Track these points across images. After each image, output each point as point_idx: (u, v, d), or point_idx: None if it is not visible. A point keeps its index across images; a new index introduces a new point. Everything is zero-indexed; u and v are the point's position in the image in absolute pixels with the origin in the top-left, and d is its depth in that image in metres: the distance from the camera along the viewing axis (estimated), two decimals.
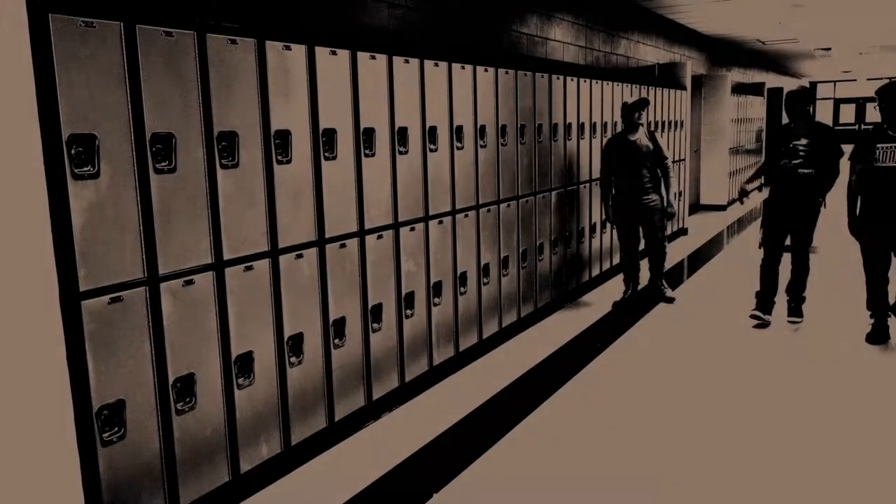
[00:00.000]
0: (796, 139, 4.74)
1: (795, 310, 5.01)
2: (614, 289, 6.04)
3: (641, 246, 5.74)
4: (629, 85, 6.69)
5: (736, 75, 13.48)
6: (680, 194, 8.69)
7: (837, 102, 26.96)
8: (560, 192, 5.41)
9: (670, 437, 3.35)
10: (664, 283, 5.73)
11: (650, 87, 7.28)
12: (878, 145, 4.29)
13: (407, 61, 3.63)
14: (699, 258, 7.54)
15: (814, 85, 26.26)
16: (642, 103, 5.32)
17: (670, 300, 5.64)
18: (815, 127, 4.78)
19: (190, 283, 2.57)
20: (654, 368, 4.30)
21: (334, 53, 3.16)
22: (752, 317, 4.97)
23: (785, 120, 4.78)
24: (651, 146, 5.37)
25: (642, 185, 5.37)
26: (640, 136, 5.38)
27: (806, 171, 4.66)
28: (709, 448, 3.23)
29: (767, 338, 4.79)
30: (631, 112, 5.33)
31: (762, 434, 3.34)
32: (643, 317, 5.33)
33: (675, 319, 5.29)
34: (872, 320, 4.59)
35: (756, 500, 2.79)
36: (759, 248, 5.01)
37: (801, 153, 4.69)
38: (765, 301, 5.01)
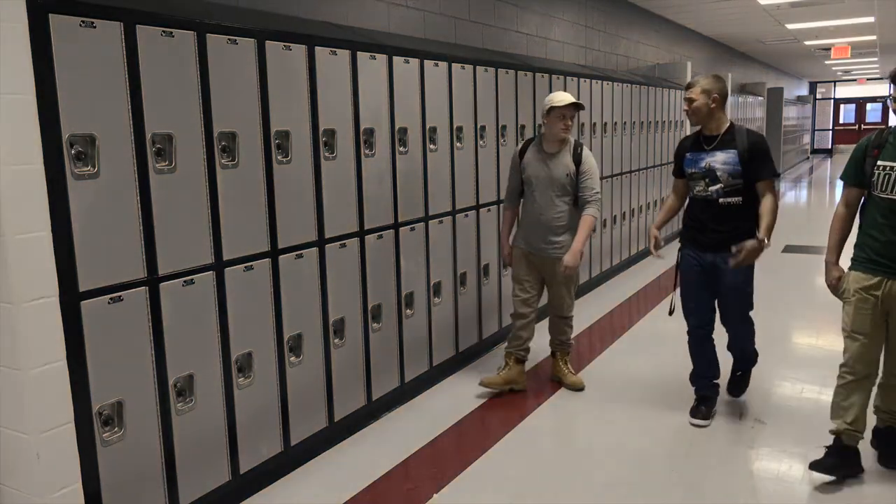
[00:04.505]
0: (711, 154, 3.28)
1: (739, 381, 3.60)
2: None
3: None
4: (629, 85, 6.70)
5: (736, 75, 13.48)
6: None
7: (837, 102, 26.96)
8: None
9: None
10: (567, 363, 4.03)
11: (650, 87, 7.28)
12: (879, 163, 2.73)
13: (407, 61, 3.63)
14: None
15: (814, 85, 26.26)
16: (574, 108, 3.65)
17: (577, 388, 3.92)
18: (739, 135, 3.25)
19: (190, 283, 2.57)
20: None
21: (334, 53, 3.16)
22: (693, 424, 3.43)
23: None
24: (573, 169, 3.70)
25: (551, 221, 3.72)
26: (563, 153, 3.71)
27: (731, 199, 3.24)
28: None
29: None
30: (556, 117, 3.64)
31: None
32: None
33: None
34: (832, 441, 2.91)
35: None
36: (670, 314, 3.50)
37: (722, 174, 3.23)
38: (701, 395, 3.51)
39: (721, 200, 3.25)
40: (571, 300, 3.92)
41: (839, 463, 2.86)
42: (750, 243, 3.12)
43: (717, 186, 3.25)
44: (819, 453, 2.88)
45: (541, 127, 3.83)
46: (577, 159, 3.71)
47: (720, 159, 3.24)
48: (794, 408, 3.67)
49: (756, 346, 3.62)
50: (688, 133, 9.03)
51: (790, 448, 3.18)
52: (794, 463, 3.05)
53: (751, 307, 3.45)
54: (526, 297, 3.86)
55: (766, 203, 3.20)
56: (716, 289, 3.36)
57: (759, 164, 3.21)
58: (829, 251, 2.95)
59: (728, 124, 3.31)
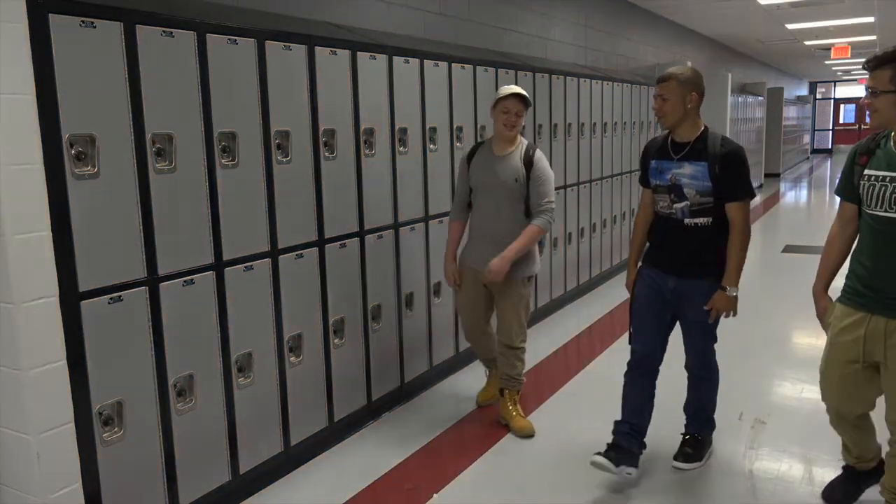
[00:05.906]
0: (678, 165, 2.73)
1: (691, 447, 3.02)
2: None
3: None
4: (629, 85, 6.70)
5: (736, 75, 13.48)
6: None
7: (837, 102, 26.95)
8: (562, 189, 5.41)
9: None
10: (517, 403, 3.44)
11: (650, 87, 7.28)
12: (866, 173, 2.30)
13: (407, 61, 3.63)
14: None
15: (814, 85, 26.25)
16: (520, 100, 3.19)
17: (525, 434, 3.34)
18: (712, 144, 2.70)
19: (190, 283, 2.57)
20: None
21: (334, 53, 3.16)
22: (594, 464, 2.79)
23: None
24: (524, 174, 3.22)
25: (498, 233, 3.24)
26: (513, 155, 3.25)
27: (698, 220, 2.73)
28: None
29: None
30: (499, 111, 3.23)
31: None
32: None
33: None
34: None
35: None
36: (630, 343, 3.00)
37: (689, 190, 2.71)
38: (623, 437, 2.87)
39: (686, 221, 2.74)
40: (522, 328, 3.35)
41: (855, 488, 2.67)
42: (716, 298, 2.74)
43: (683, 204, 2.72)
44: (822, 458, 2.82)
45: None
46: (528, 163, 3.22)
47: (687, 172, 2.70)
48: (794, 408, 3.67)
49: (717, 406, 3.08)
50: None
51: (790, 448, 3.18)
52: (794, 463, 3.05)
53: (712, 344, 2.92)
54: (475, 323, 3.47)
55: (732, 237, 2.70)
56: (672, 321, 2.90)
57: (731, 182, 2.67)
58: (817, 278, 2.53)
59: (702, 129, 2.75)
